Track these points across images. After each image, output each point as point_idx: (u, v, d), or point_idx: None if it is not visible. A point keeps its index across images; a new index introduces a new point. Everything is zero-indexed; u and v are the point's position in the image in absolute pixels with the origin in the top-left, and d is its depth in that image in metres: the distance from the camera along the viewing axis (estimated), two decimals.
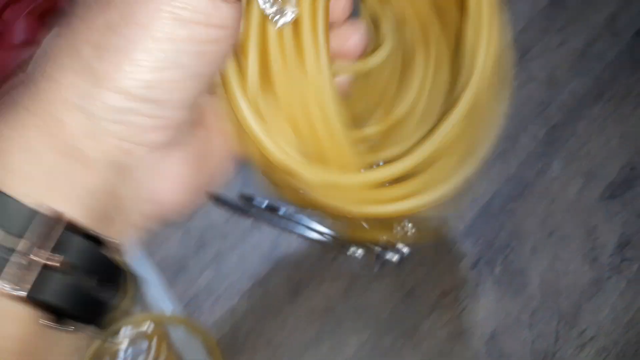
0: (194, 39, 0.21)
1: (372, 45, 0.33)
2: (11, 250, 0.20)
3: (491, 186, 0.59)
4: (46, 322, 0.21)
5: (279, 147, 0.27)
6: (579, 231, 0.57)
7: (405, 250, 0.55)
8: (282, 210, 0.55)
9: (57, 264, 0.20)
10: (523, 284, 0.55)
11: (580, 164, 0.60)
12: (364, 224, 0.36)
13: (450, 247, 0.56)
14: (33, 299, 0.20)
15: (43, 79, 0.21)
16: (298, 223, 0.56)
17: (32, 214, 0.20)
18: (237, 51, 0.26)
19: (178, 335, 0.50)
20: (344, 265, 0.55)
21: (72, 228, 0.21)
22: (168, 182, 0.24)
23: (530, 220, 0.58)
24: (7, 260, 0.20)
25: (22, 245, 0.20)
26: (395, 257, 0.55)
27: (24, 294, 0.20)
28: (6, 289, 0.20)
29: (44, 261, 0.20)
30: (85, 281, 0.21)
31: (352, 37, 0.27)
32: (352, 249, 0.55)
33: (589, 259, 0.56)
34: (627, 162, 0.60)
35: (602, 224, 0.57)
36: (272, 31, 0.25)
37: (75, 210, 0.21)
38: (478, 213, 0.58)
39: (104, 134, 0.21)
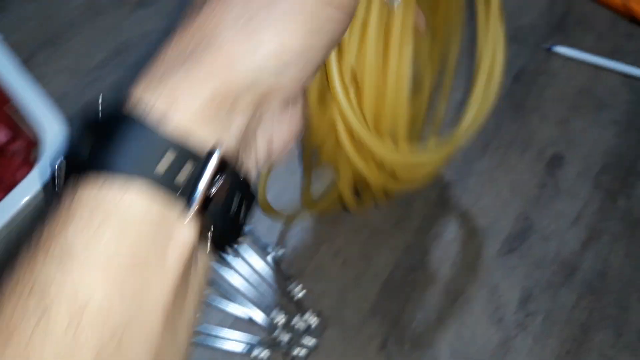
0: (331, 18, 0.26)
1: None
2: (191, 179, 0.24)
3: (391, 258, 0.58)
4: (207, 241, 0.25)
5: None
6: (482, 292, 0.57)
7: (312, 343, 0.54)
8: None
9: (222, 190, 0.25)
10: (433, 358, 0.54)
11: (475, 221, 0.60)
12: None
13: (356, 331, 0.55)
14: (206, 220, 0.24)
15: (214, 35, 0.25)
16: (208, 334, 0.54)
17: (203, 146, 0.24)
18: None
19: None
20: None
21: (229, 159, 0.25)
22: (280, 128, 0.30)
23: (434, 288, 0.57)
24: (188, 188, 0.24)
25: (197, 173, 0.24)
26: (302, 352, 0.54)
27: (199, 216, 0.24)
28: (186, 211, 0.24)
29: (213, 189, 0.24)
30: (232, 205, 0.26)
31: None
32: (256, 351, 0.53)
33: (495, 320, 0.56)
34: (520, 212, 0.60)
35: (503, 280, 0.57)
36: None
37: (228, 141, 0.25)
38: (380, 289, 0.57)
39: (257, 87, 0.25)
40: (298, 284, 0.56)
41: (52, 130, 0.47)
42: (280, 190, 0.60)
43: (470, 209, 0.60)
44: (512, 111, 0.65)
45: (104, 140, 0.23)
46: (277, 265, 0.57)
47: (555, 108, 0.65)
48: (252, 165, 0.29)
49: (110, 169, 0.22)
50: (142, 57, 0.63)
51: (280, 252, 0.58)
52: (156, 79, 0.24)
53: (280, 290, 0.56)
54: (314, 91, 0.34)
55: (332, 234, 0.59)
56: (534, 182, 0.62)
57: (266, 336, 0.54)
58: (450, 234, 0.59)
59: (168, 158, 0.23)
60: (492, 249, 0.59)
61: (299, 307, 0.55)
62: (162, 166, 0.23)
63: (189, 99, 0.24)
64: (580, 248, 0.59)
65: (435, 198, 0.61)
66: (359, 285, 0.57)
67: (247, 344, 0.53)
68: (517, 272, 0.58)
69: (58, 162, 0.24)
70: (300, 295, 0.56)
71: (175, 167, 0.23)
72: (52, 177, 0.24)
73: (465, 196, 0.61)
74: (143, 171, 0.22)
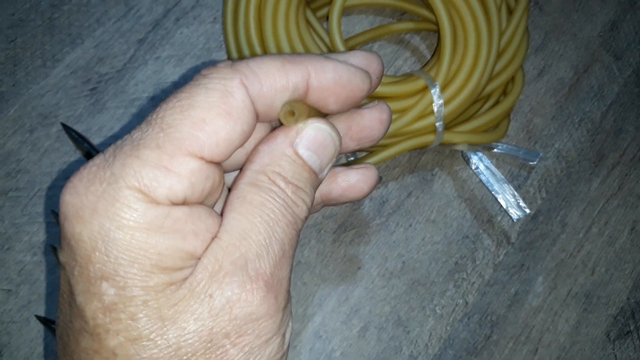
0: None
1: None
2: None
3: (439, 330, 0.36)
4: None
5: None
6: None
7: None
8: None
9: None
10: None
11: (575, 281, 0.38)
12: None
13: None
14: None
15: None
16: None
17: None
18: None
19: None
20: None
21: None
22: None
23: None
24: None
25: None
26: None
27: None
28: None
29: None
30: None
31: None
32: None
33: None
34: None
35: None
36: None
37: None
38: None
39: None
40: None
41: None
42: None
43: (566, 259, 0.38)
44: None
45: None
46: None
47: None
48: None
49: None
50: None
51: None
52: None
53: None
54: None
55: None
56: None
57: None
58: (535, 298, 0.37)
59: None
60: (597, 329, 0.37)
61: None
62: None
63: None
64: None
65: (517, 238, 0.38)
66: None
67: None
68: None
69: None
70: None
71: None
72: None
73: (563, 238, 0.38)
74: None
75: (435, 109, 0.36)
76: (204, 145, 0.18)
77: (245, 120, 0.19)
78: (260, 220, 0.19)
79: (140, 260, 0.17)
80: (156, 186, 0.17)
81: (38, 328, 0.33)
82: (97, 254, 0.17)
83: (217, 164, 0.19)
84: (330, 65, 0.20)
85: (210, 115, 0.18)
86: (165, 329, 0.17)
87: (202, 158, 0.18)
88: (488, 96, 0.39)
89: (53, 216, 0.35)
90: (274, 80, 0.19)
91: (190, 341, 0.18)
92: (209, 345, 0.18)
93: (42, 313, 0.34)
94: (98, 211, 0.17)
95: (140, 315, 0.17)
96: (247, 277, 0.18)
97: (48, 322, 0.33)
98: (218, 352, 0.18)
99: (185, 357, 0.18)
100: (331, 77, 0.20)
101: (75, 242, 0.18)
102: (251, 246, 0.18)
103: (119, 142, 0.18)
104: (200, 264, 0.18)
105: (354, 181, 0.24)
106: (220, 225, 0.19)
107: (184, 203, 0.18)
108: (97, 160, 0.18)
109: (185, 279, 0.18)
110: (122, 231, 0.17)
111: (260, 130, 0.22)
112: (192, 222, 0.18)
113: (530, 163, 0.38)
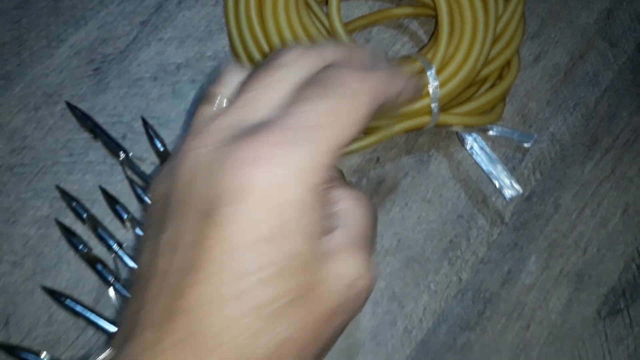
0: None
1: None
2: None
3: (433, 305, 0.37)
4: None
5: None
6: None
7: None
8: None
9: None
10: None
11: (567, 260, 0.39)
12: None
13: None
14: None
15: None
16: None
17: None
18: None
19: None
20: None
21: None
22: None
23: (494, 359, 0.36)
24: None
25: None
26: None
27: None
28: None
29: None
30: None
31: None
32: None
33: None
34: (633, 254, 0.39)
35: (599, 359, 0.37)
36: None
37: None
38: (414, 353, 0.36)
39: None
40: None
41: None
42: None
43: (561, 240, 0.39)
44: (635, 94, 0.42)
45: None
46: None
47: None
48: None
49: None
50: None
51: None
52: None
53: None
54: None
55: None
56: None
57: None
58: (527, 276, 0.38)
59: None
60: (589, 307, 0.38)
61: None
62: None
63: None
64: None
65: (510, 217, 0.39)
66: None
67: None
68: (621, 348, 0.37)
69: None
70: None
71: None
72: None
73: (556, 220, 0.39)
74: None
75: (430, 91, 0.36)
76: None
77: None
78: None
79: None
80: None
81: (42, 298, 0.34)
82: None
83: None
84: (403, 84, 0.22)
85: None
86: None
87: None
88: (484, 80, 0.40)
89: (58, 191, 0.36)
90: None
91: None
92: None
93: (46, 284, 0.34)
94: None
95: None
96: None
97: (54, 293, 0.34)
98: None
99: None
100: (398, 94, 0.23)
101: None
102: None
103: None
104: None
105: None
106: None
107: None
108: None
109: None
110: None
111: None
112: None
113: (525, 145, 0.39)
